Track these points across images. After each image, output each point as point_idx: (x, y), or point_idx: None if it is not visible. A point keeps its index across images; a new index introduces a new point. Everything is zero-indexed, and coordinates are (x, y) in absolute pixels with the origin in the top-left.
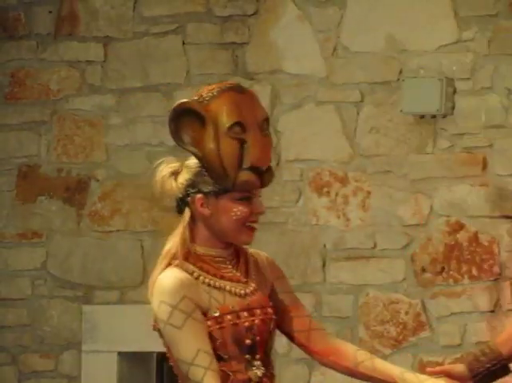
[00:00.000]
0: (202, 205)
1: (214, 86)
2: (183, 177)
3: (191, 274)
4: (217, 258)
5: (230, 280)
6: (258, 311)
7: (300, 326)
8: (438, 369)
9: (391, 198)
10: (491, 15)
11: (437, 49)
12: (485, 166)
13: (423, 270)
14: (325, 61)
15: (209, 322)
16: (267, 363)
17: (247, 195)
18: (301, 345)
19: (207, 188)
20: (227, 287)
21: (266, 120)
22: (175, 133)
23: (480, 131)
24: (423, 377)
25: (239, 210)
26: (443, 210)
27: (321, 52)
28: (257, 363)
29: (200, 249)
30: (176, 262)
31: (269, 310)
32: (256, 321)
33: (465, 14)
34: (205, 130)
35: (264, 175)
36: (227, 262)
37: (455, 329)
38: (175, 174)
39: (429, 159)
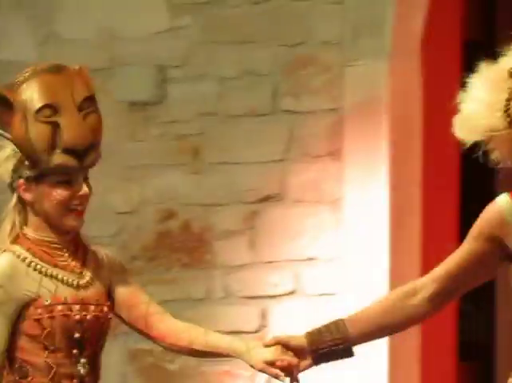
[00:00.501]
0: (24, 190)
1: (28, 69)
2: (11, 162)
3: (23, 260)
4: (52, 245)
5: (64, 269)
6: (93, 307)
7: (137, 313)
8: (275, 338)
9: (102, 185)
10: (204, 3)
11: (150, 37)
12: (196, 154)
13: (134, 257)
14: (38, 47)
15: (39, 310)
16: (94, 363)
17: (66, 179)
18: (141, 333)
19: (26, 173)
20: (60, 276)
21: (87, 98)
22: None
23: (192, 118)
24: (253, 344)
25: (58, 193)
26: (155, 198)
27: (33, 39)
28: (84, 360)
29: (33, 234)
30: (8, 246)
31: (105, 309)
32: (88, 317)
33: (178, 2)
34: (14, 115)
35: (85, 156)
36: (64, 250)
37: None
38: (8, 159)
39: (141, 147)
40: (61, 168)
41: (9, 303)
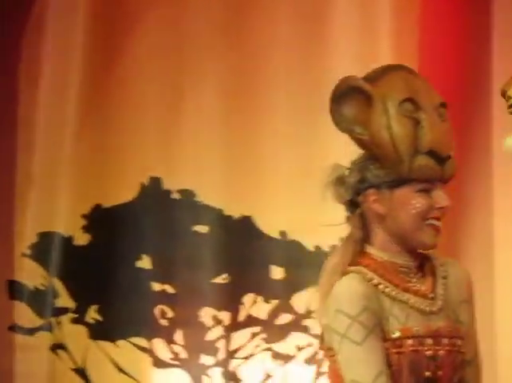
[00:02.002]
0: (375, 201)
1: (381, 66)
2: (350, 177)
3: (370, 281)
4: (400, 268)
5: (415, 294)
6: (446, 341)
7: None
8: None
9: None
10: None
11: None
12: None
13: None
14: None
15: (386, 344)
16: None
17: (427, 186)
18: None
19: (378, 180)
20: (411, 302)
21: (443, 105)
22: (337, 115)
23: None
24: None
25: (418, 202)
26: None
27: None
28: None
29: (379, 254)
30: (352, 268)
31: (459, 342)
32: (440, 352)
33: None
34: (372, 109)
35: (445, 163)
36: (411, 275)
37: None
38: (341, 178)
39: None
40: (425, 172)
41: (378, 326)
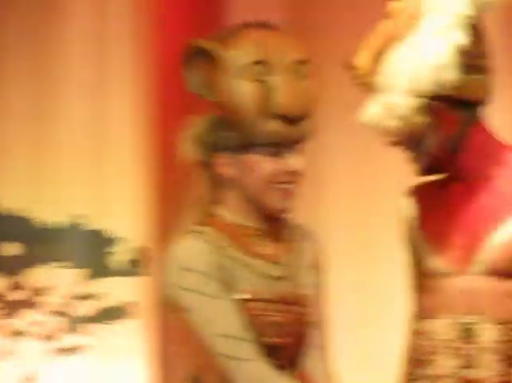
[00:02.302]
0: (224, 164)
1: (233, 26)
2: (203, 137)
3: (216, 245)
4: (250, 231)
5: (263, 259)
6: (291, 307)
7: None
8: None
9: None
10: None
11: None
12: None
13: None
14: None
15: None
16: (292, 375)
17: (277, 150)
18: None
19: (228, 143)
20: (257, 267)
21: (303, 62)
22: (186, 77)
23: None
24: None
25: (264, 167)
26: None
27: None
28: (281, 371)
29: (230, 217)
30: (199, 228)
31: (304, 309)
32: (285, 319)
33: None
34: (219, 72)
35: (298, 125)
36: (261, 238)
37: None
38: (196, 137)
39: None
40: (273, 136)
41: (229, 285)
